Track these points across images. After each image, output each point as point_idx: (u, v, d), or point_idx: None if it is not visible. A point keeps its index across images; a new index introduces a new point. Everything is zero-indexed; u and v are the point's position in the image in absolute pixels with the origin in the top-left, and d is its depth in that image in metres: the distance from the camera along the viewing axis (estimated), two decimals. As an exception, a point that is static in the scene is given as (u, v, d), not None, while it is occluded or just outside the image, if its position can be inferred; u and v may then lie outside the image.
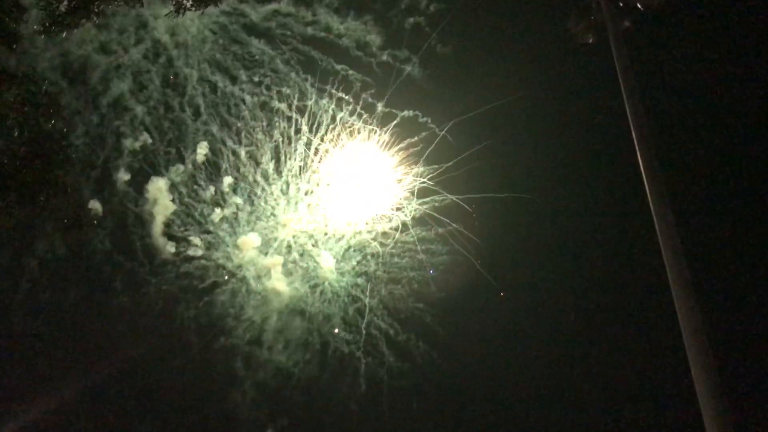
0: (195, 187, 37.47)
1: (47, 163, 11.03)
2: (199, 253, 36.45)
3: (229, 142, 37.92)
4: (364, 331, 35.35)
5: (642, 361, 29.23)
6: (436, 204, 35.39)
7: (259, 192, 37.97)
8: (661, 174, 12.30)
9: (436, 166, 35.33)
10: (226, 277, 36.70)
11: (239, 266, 36.76)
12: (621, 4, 12.85)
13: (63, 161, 11.52)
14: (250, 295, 36.57)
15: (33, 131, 10.75)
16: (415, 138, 35.47)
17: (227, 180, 37.64)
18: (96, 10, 10.10)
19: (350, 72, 36.21)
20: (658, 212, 11.94)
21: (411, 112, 35.64)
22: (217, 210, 37.54)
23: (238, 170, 38.03)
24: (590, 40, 13.25)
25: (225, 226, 37.75)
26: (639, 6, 12.86)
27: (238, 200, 37.92)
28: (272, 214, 38.06)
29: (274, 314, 36.55)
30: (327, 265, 37.21)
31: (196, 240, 36.76)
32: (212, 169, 37.82)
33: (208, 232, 37.35)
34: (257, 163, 37.94)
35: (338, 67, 36.55)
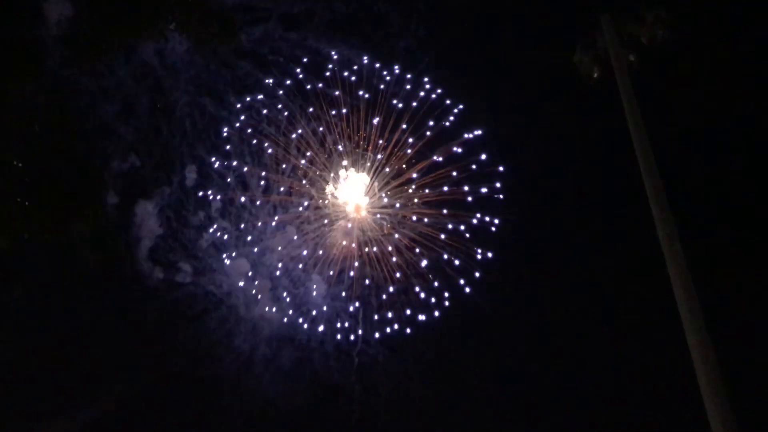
0: (183, 211, 36.82)
1: (77, 180, 11.03)
2: (188, 279, 35.75)
3: (217, 166, 37.44)
4: (356, 359, 34.82)
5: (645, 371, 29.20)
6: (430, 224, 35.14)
7: (246, 216, 37.44)
8: (667, 204, 12.20)
9: (429, 190, 35.20)
10: (215, 304, 35.98)
11: (228, 293, 36.09)
12: (625, 39, 12.82)
13: (92, 179, 11.52)
14: (239, 323, 35.83)
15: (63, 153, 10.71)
16: (404, 166, 35.37)
17: (215, 204, 37.06)
18: (117, 45, 10.01)
19: (339, 94, 36.02)
20: (666, 241, 11.78)
21: (402, 135, 35.58)
22: (205, 234, 36.89)
23: (226, 194, 37.50)
24: (595, 75, 13.19)
25: (212, 251, 37.09)
26: (643, 40, 12.84)
27: (226, 224, 37.33)
28: (260, 239, 37.53)
29: (263, 342, 35.85)
30: (318, 290, 36.68)
31: (184, 266, 36.08)
32: (200, 193, 37.21)
33: (196, 257, 36.68)
34: (245, 187, 37.46)
35: (328, 90, 36.42)
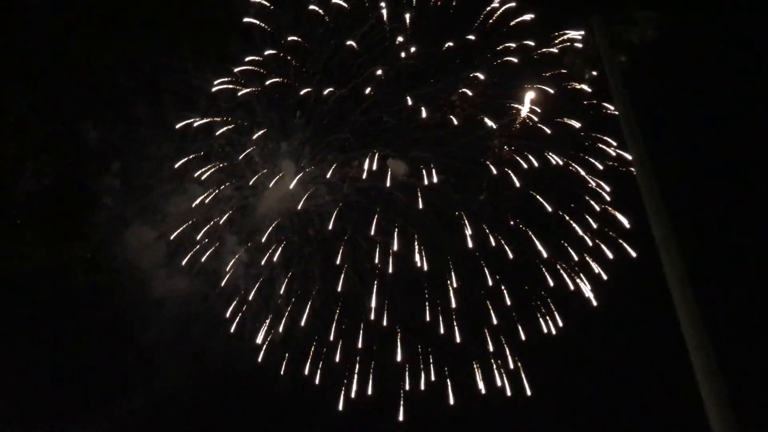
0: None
1: (70, 206, 11.16)
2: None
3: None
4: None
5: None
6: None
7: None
8: (663, 205, 12.09)
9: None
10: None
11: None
12: (616, 40, 12.82)
13: (85, 204, 11.58)
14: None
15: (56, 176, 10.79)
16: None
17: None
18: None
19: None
20: (664, 245, 11.61)
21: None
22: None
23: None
24: (587, 76, 13.20)
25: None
26: (634, 40, 12.84)
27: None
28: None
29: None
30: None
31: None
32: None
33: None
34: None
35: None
